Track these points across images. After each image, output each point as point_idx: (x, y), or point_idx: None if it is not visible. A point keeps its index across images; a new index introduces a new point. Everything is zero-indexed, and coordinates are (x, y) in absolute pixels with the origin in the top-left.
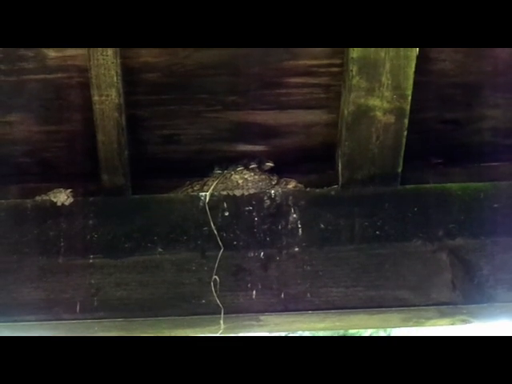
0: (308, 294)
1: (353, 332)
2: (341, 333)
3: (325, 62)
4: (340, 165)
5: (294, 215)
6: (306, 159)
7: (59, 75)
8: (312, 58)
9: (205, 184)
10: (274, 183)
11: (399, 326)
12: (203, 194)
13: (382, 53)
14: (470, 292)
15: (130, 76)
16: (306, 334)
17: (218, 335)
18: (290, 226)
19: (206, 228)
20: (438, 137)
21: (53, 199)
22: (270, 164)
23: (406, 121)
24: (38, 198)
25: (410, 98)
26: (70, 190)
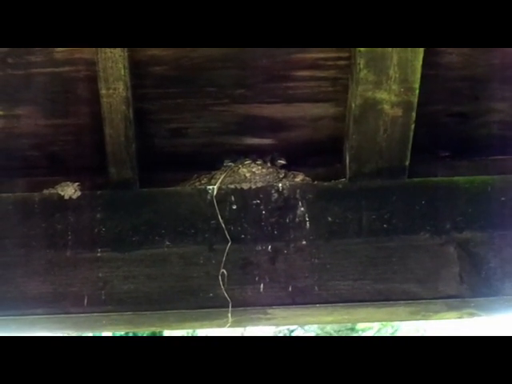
0: (316, 287)
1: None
2: (348, 326)
3: (332, 55)
4: (347, 158)
5: (302, 208)
6: (314, 152)
7: (67, 69)
8: (319, 51)
9: (212, 177)
10: (281, 176)
11: (407, 320)
12: (211, 187)
13: None
14: (477, 285)
15: (137, 69)
16: (313, 327)
17: (224, 334)
18: (297, 220)
19: (213, 221)
20: (446, 130)
21: (60, 193)
22: (282, 162)
23: (414, 114)
24: (45, 192)
25: (417, 91)
26: (77, 184)
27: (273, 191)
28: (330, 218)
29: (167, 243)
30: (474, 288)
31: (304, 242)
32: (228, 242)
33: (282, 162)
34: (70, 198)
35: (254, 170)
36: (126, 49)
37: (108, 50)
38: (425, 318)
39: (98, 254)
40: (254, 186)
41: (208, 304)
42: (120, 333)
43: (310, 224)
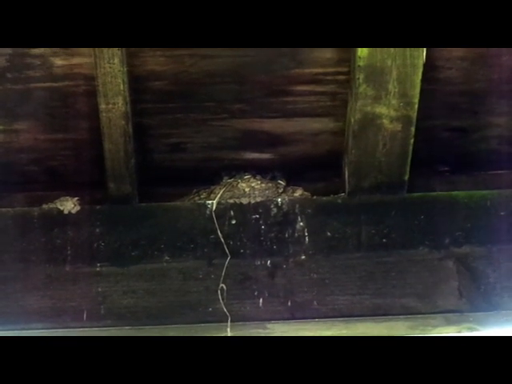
0: (315, 302)
1: None
2: None
3: (331, 69)
4: (347, 173)
5: (301, 223)
6: (313, 167)
7: (66, 83)
8: (318, 65)
9: (212, 192)
10: (280, 191)
11: (406, 334)
12: (210, 202)
13: (389, 61)
14: (476, 300)
15: (136, 84)
16: None
17: (224, 335)
18: (296, 234)
19: (212, 236)
20: (445, 145)
21: (59, 207)
22: (281, 182)
23: (413, 129)
24: (44, 206)
25: (416, 105)
26: (76, 198)
27: (272, 206)
28: (329, 233)
29: (166, 258)
30: (472, 302)
31: (303, 257)
32: (227, 257)
33: (282, 182)
34: (70, 212)
35: (253, 184)
36: (125, 64)
37: (107, 64)
38: (423, 332)
39: (98, 269)
40: (253, 201)
41: (207, 319)
42: None
43: (309, 239)
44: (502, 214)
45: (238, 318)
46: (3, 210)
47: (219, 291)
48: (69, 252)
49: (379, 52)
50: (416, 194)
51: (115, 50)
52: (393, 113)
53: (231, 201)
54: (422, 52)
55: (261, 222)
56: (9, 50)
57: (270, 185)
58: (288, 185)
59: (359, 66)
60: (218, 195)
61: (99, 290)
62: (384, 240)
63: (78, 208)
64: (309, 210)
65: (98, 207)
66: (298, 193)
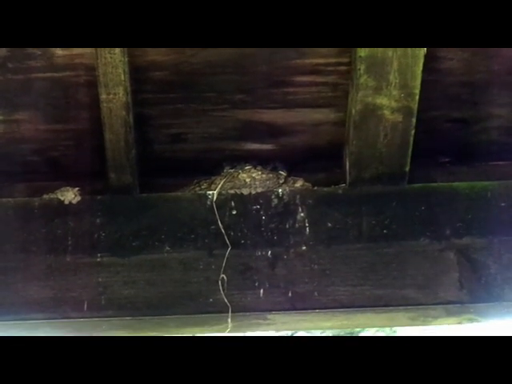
0: (315, 293)
1: (358, 330)
2: (347, 331)
3: (332, 60)
4: (348, 163)
5: (302, 214)
6: (314, 158)
7: (67, 73)
8: (319, 56)
9: (212, 183)
10: (281, 182)
11: (406, 325)
12: (211, 192)
13: (390, 52)
14: (477, 291)
15: (137, 74)
16: (312, 333)
17: (224, 335)
18: (297, 225)
19: (213, 227)
20: (446, 136)
21: (60, 198)
22: (283, 173)
23: (414, 120)
24: (45, 197)
25: (417, 96)
26: (77, 189)
27: (273, 196)
28: (329, 224)
29: (167, 248)
30: (473, 294)
31: (304, 248)
32: (228, 248)
33: (283, 173)
34: (70, 202)
35: (253, 175)
36: (126, 54)
37: (108, 55)
38: (424, 323)
39: (98, 259)
40: (253, 192)
41: (208, 309)
42: None
43: (309, 229)
44: (502, 205)
45: (238, 309)
46: (4, 200)
47: (220, 282)
48: (69, 242)
49: None
50: (417, 185)
51: None
52: (394, 104)
53: (232, 191)
54: None
55: (261, 212)
56: None
57: (271, 175)
58: (289, 175)
59: (360, 56)
60: (219, 186)
61: (100, 280)
62: (385, 231)
63: (78, 198)
64: (310, 201)
65: (98, 197)
66: (299, 183)
